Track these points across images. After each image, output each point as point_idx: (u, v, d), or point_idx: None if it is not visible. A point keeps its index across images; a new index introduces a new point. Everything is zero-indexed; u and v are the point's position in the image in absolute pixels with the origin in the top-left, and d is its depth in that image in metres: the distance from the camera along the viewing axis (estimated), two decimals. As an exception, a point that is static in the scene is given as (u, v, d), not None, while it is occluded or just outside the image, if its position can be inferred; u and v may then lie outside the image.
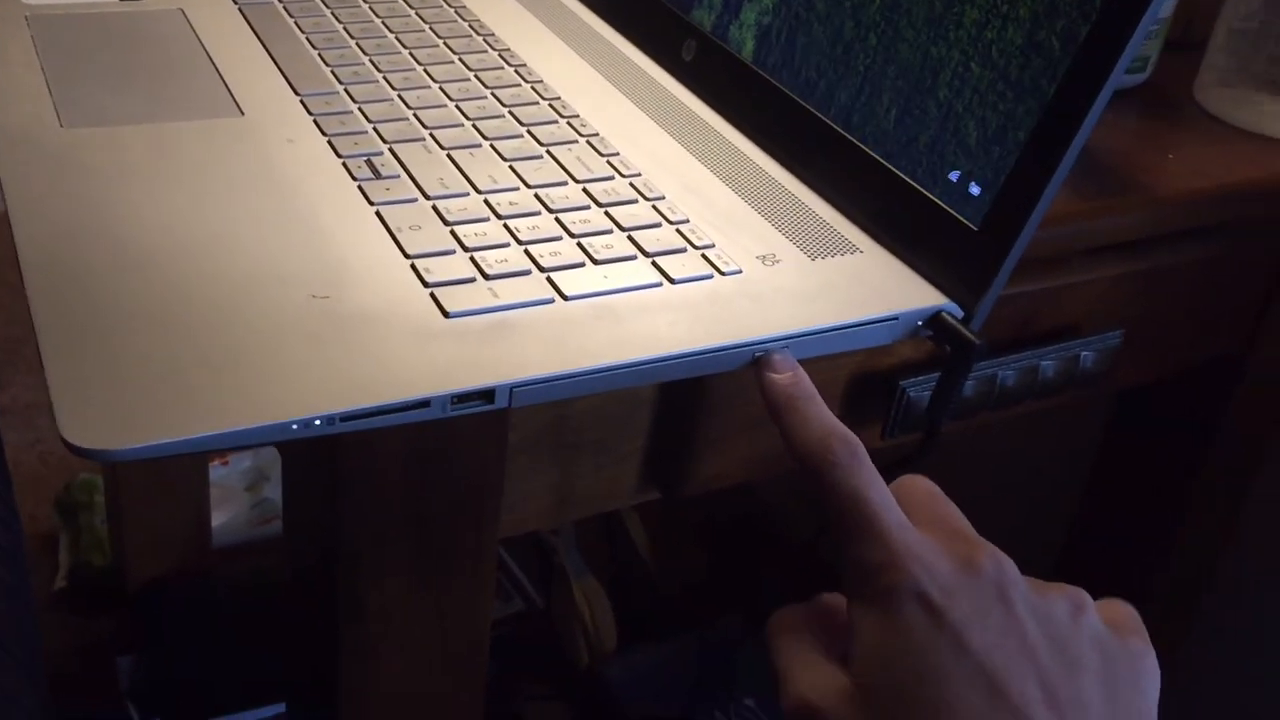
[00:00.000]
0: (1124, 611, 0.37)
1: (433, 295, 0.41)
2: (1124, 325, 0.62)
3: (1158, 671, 0.36)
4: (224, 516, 1.13)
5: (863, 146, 0.49)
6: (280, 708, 0.84)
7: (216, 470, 1.18)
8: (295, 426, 0.36)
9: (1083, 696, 0.33)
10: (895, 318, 0.44)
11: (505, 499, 0.52)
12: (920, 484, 0.39)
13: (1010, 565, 0.35)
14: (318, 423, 0.36)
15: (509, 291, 0.42)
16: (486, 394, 0.38)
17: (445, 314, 0.41)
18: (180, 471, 1.03)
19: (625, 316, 0.42)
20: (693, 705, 0.94)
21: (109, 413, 0.35)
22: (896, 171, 0.48)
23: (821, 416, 0.39)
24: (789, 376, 0.40)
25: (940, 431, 0.44)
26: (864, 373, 0.57)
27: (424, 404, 0.37)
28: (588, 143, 0.52)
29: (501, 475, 0.50)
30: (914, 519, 0.37)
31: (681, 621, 1.07)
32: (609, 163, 0.51)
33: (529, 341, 0.40)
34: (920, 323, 0.44)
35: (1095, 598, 0.37)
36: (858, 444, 0.37)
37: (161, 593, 1.00)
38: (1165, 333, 0.66)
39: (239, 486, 1.18)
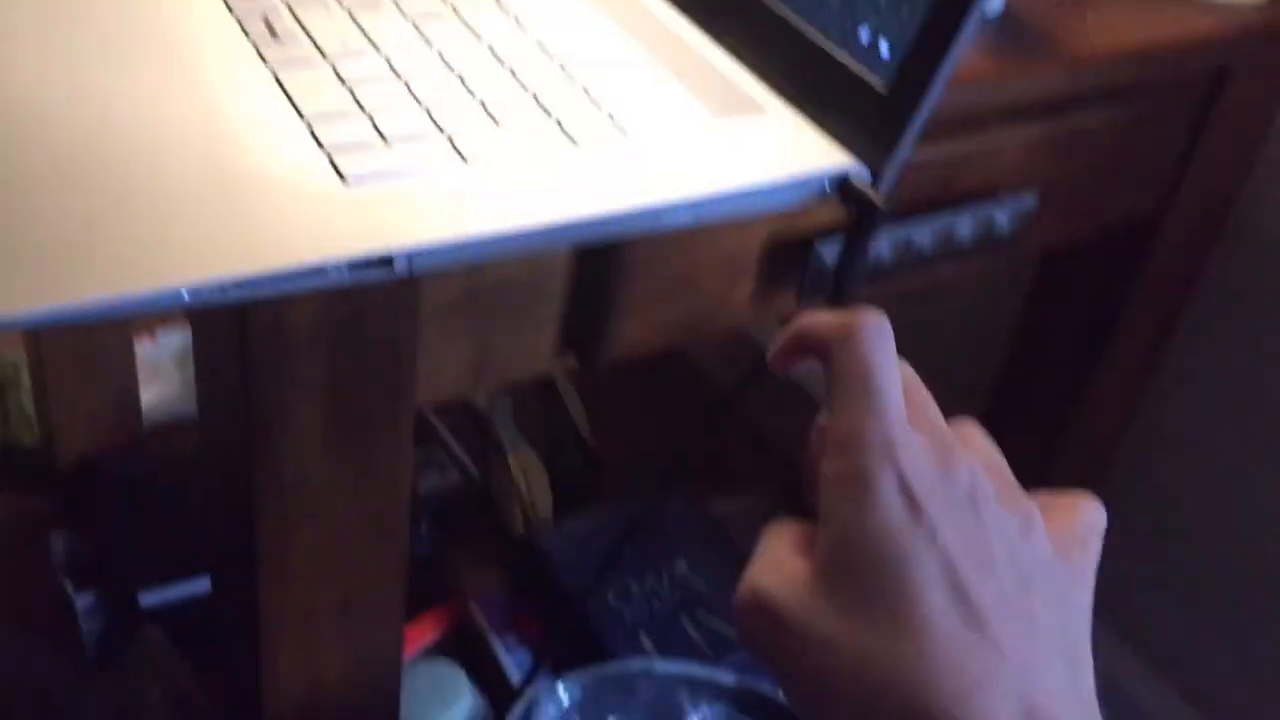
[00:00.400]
0: (1076, 512, 0.37)
1: (330, 160, 0.40)
2: (1040, 187, 0.62)
3: (1091, 584, 0.36)
4: (154, 394, 1.12)
5: (774, 3, 0.48)
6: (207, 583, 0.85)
7: (145, 348, 1.17)
8: (187, 295, 0.35)
9: (1033, 613, 0.34)
10: (801, 180, 0.43)
11: (421, 366, 0.51)
12: (905, 368, 0.38)
13: (982, 474, 0.35)
14: (210, 290, 0.35)
15: (410, 155, 0.41)
16: (385, 261, 0.38)
17: (343, 179, 0.40)
18: (104, 348, 1.01)
19: (529, 179, 0.41)
20: (626, 569, 0.96)
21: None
22: (807, 30, 0.47)
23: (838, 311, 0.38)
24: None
25: (847, 296, 0.44)
26: (780, 237, 0.57)
27: (320, 271, 0.37)
28: (494, 1, 0.51)
29: (415, 343, 0.50)
30: None
31: (616, 489, 1.09)
32: (516, 21, 0.49)
33: (429, 207, 0.39)
34: (826, 186, 0.44)
35: (1014, 469, 0.37)
36: (887, 323, 0.37)
37: (92, 469, 0.99)
38: (1082, 194, 0.66)
39: (169, 363, 1.17)
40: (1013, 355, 0.86)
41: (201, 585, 0.87)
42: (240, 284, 0.35)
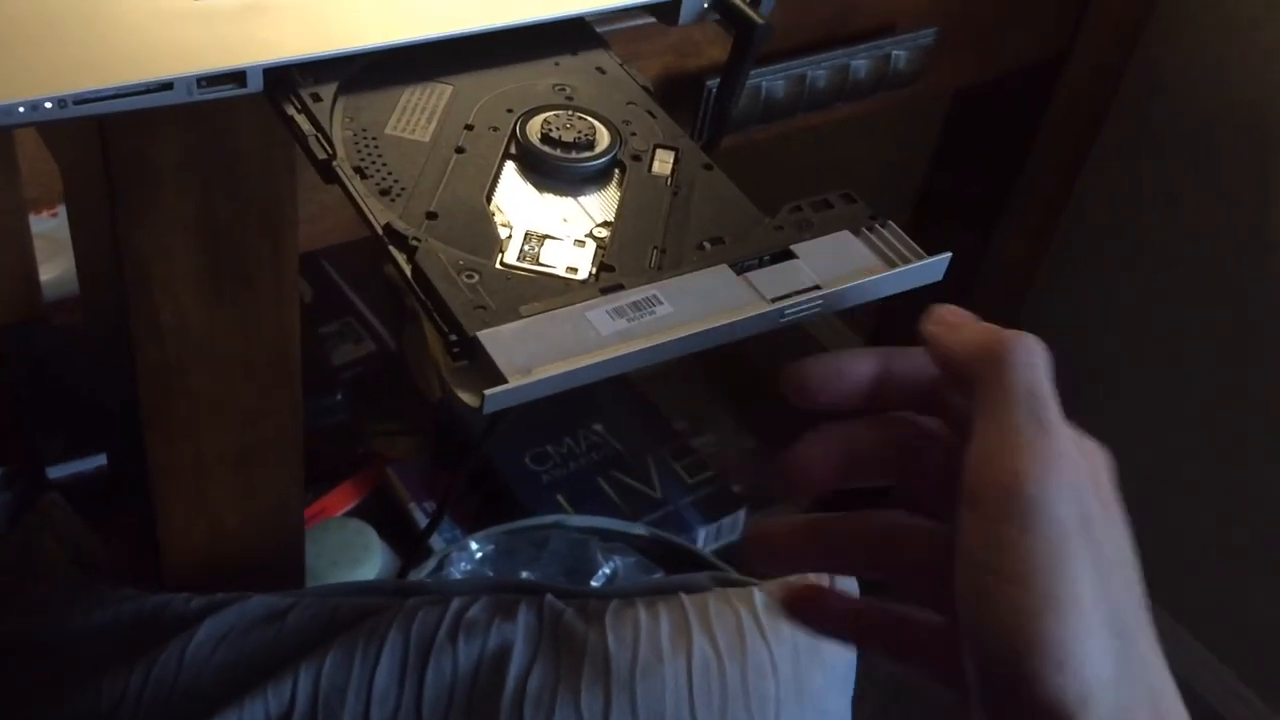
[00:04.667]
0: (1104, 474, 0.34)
1: (181, -25, 0.38)
2: (941, 24, 0.61)
3: None
4: (54, 270, 1.09)
5: None
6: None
7: (44, 222, 1.13)
8: (23, 109, 0.33)
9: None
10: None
11: (304, 211, 0.50)
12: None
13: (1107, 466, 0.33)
14: (48, 105, 0.34)
15: (266, -29, 0.39)
16: (237, 76, 0.36)
17: (195, -5, 0.38)
18: (-1, 222, 0.98)
19: (394, -4, 0.40)
20: (543, 432, 0.96)
21: None
22: None
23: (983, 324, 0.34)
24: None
25: (728, 117, 0.43)
26: (672, 75, 0.55)
27: (167, 85, 0.35)
28: None
29: (294, 184, 0.49)
30: None
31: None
32: None
33: (285, 22, 0.38)
34: (705, 4, 0.43)
35: None
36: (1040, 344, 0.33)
37: (-9, 345, 0.97)
38: (982, 34, 0.66)
39: (69, 239, 1.13)
40: (922, 200, 0.86)
41: (94, 463, 0.86)
42: (81, 99, 0.34)
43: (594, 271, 0.34)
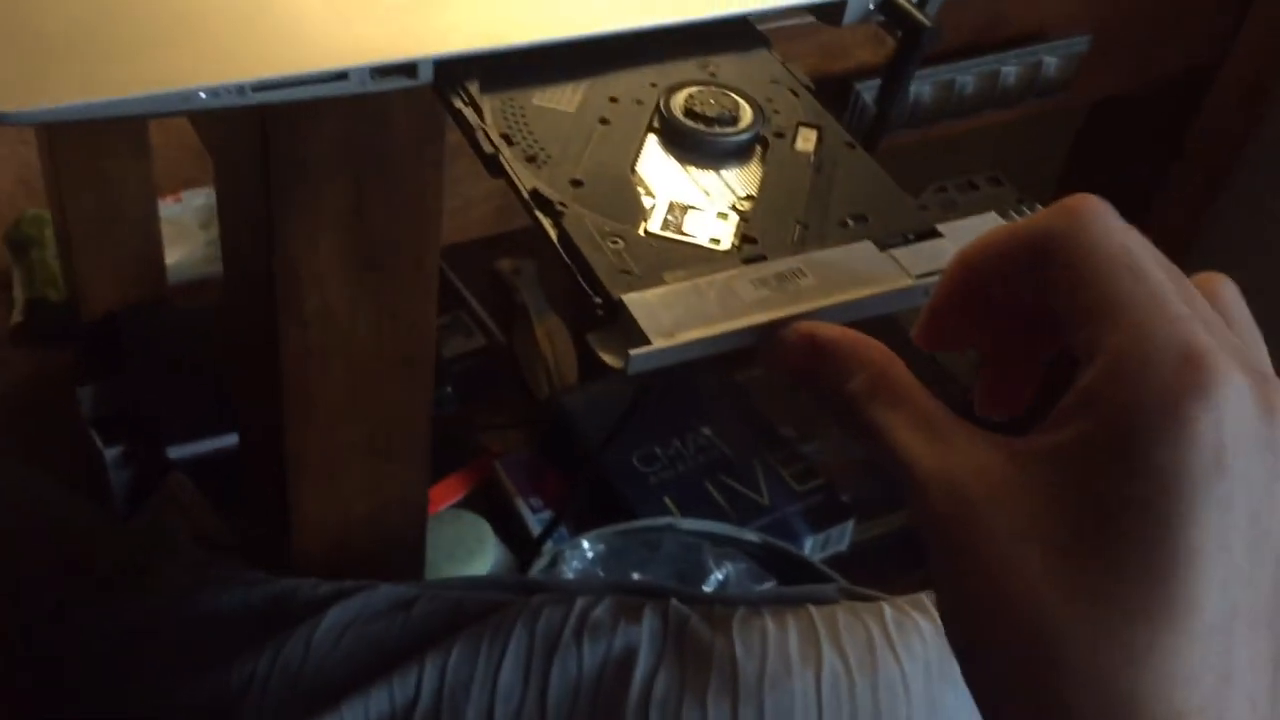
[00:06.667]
0: None
1: (354, -35, 0.39)
2: (1093, 30, 0.60)
3: None
4: (178, 254, 1.11)
5: None
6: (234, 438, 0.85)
7: (169, 207, 1.16)
8: (204, 95, 0.34)
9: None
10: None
11: (448, 203, 0.50)
12: (1222, 287, 0.29)
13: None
14: (228, 91, 0.34)
15: (437, -38, 0.39)
16: (408, 68, 0.36)
17: (367, -15, 0.38)
18: (128, 206, 1.00)
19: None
20: (651, 433, 0.95)
21: (4, 78, 0.33)
22: None
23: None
24: None
25: (889, 121, 0.42)
26: (820, 76, 0.54)
27: (342, 76, 0.35)
28: None
29: (442, 177, 0.49)
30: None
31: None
32: None
33: (457, 12, 0.38)
34: (871, 6, 0.42)
35: None
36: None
37: (117, 325, 0.99)
38: (1135, 42, 0.64)
39: (193, 224, 1.16)
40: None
41: (227, 440, 0.87)
42: (259, 86, 0.34)
43: (736, 243, 0.34)
